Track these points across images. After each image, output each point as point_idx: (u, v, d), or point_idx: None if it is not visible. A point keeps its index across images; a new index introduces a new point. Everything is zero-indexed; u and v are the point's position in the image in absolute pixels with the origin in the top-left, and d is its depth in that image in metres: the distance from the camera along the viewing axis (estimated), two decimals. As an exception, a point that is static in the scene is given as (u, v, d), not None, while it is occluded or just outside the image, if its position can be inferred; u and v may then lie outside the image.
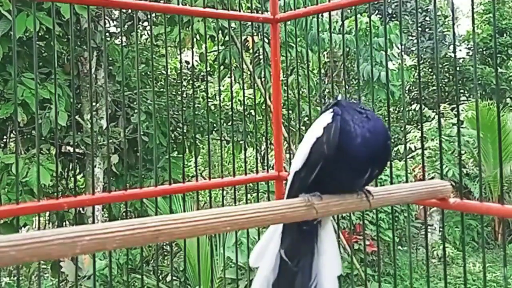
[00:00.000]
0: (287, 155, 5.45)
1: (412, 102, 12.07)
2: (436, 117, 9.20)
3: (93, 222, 2.70)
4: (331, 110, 1.32)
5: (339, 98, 1.42)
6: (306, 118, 6.46)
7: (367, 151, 1.27)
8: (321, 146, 1.28)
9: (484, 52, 13.20)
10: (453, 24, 2.39)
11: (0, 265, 0.84)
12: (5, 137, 6.66)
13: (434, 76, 12.73)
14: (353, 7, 2.45)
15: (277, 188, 2.51)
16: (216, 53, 8.05)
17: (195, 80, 7.96)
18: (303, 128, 5.41)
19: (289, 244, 1.44)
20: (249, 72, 7.02)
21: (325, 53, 8.85)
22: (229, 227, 1.09)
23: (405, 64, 11.35)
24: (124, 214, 6.29)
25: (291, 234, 1.44)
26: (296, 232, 1.44)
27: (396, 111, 12.43)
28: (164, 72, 7.72)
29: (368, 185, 1.41)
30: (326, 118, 1.30)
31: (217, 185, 2.46)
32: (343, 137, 1.26)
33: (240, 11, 2.82)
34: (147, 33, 8.24)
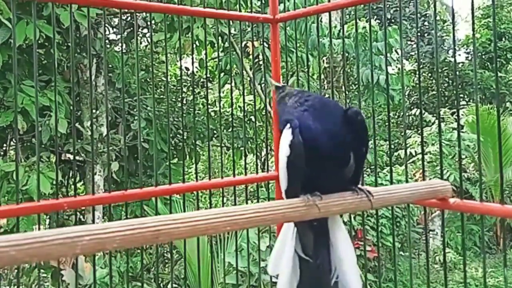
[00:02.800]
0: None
1: (412, 107, 12.07)
2: (436, 121, 9.22)
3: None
4: (288, 126, 1.35)
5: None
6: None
7: (332, 139, 1.32)
8: (294, 163, 1.34)
9: (483, 57, 13.22)
10: (453, 28, 2.39)
11: (0, 265, 0.84)
12: (5, 145, 6.67)
13: (434, 81, 12.74)
14: (353, 12, 2.46)
15: (277, 188, 2.50)
16: (216, 59, 8.08)
17: (195, 86, 7.97)
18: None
19: (305, 241, 1.45)
20: (249, 78, 7.03)
21: (324, 58, 8.86)
22: (229, 227, 1.09)
23: (405, 69, 11.36)
24: (124, 220, 6.28)
25: (304, 232, 1.45)
26: (308, 229, 1.45)
27: (396, 116, 12.43)
28: (164, 78, 7.74)
29: (364, 165, 1.46)
30: (287, 134, 1.34)
31: (217, 185, 2.45)
32: (308, 144, 1.30)
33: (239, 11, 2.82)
34: (147, 40, 8.27)
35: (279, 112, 1.48)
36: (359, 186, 1.39)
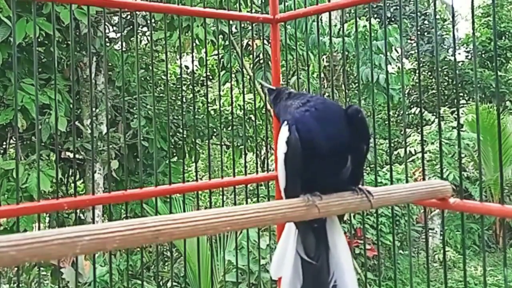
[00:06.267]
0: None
1: (411, 106, 12.08)
2: (436, 120, 9.22)
3: (94, 227, 2.68)
4: (285, 123, 1.36)
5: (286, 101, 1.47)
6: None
7: (331, 140, 1.32)
8: (291, 160, 1.34)
9: (483, 55, 13.22)
10: (453, 27, 2.40)
11: (0, 265, 0.84)
12: (4, 143, 6.67)
13: (434, 80, 12.74)
14: (353, 10, 2.45)
15: (277, 188, 2.50)
16: (216, 57, 8.07)
17: (195, 84, 7.97)
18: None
19: (307, 243, 1.45)
20: (249, 77, 7.03)
21: (324, 57, 8.86)
22: (229, 227, 1.09)
23: (404, 68, 11.36)
24: (124, 219, 6.28)
25: (306, 233, 1.45)
26: (309, 231, 1.44)
27: (395, 115, 12.44)
28: (164, 77, 7.73)
29: (364, 164, 1.45)
30: (284, 131, 1.35)
31: (217, 185, 2.44)
32: (305, 142, 1.31)
33: (239, 11, 2.81)
34: (147, 38, 8.26)
35: (278, 113, 1.48)
36: (359, 186, 1.39)
